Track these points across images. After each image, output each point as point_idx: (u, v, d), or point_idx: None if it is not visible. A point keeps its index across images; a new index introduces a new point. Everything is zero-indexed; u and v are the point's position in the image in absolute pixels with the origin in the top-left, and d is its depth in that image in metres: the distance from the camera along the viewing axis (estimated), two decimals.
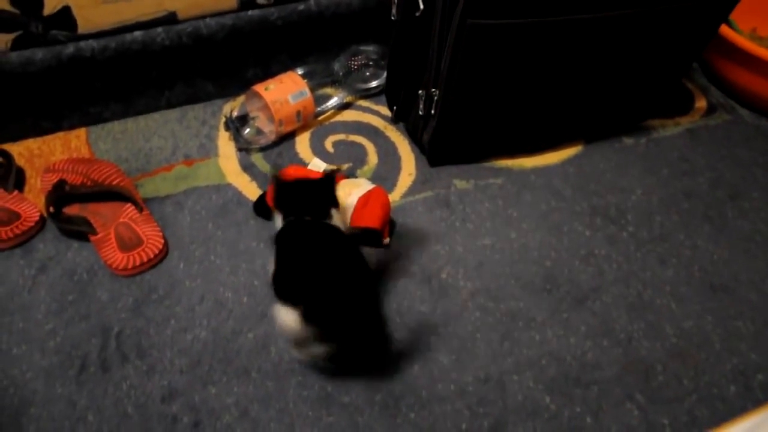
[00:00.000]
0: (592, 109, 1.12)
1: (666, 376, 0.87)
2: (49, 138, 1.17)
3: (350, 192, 0.96)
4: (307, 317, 0.74)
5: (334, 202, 0.84)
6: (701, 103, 1.30)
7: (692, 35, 1.04)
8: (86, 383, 0.85)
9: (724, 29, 1.18)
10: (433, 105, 1.03)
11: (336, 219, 0.83)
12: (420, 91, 1.06)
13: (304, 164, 1.12)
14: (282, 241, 0.81)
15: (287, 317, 0.76)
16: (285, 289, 0.77)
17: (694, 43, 1.06)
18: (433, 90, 1.01)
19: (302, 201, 0.82)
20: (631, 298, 0.95)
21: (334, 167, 0.98)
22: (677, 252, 1.02)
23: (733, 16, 1.31)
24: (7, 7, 0.98)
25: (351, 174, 1.10)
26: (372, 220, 0.93)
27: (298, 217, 0.81)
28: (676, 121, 1.25)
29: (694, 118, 1.26)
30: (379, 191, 0.97)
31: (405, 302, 0.94)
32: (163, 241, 0.99)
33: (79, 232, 1.00)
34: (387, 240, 1.00)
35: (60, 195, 1.01)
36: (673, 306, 0.95)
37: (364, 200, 0.95)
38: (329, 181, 0.85)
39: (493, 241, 1.02)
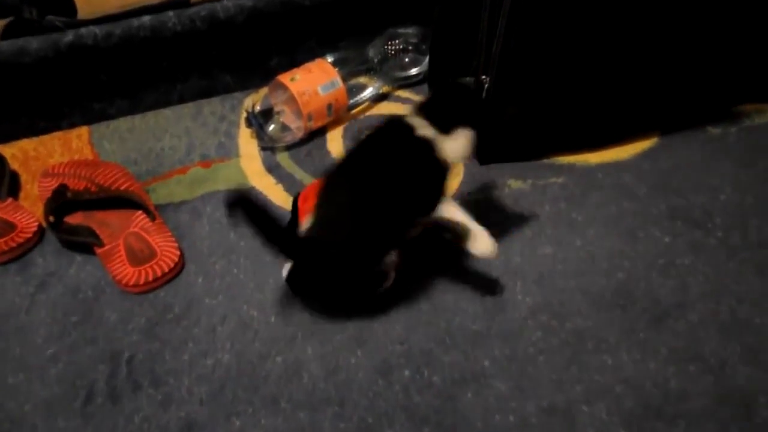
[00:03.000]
0: (670, 93, 1.10)
1: None
2: (46, 138, 1.19)
3: None
4: None
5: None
6: None
7: None
8: (93, 416, 0.85)
9: None
10: (484, 94, 1.02)
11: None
12: (468, 79, 1.05)
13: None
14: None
15: None
16: None
17: None
18: (484, 77, 1.00)
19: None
20: (723, 316, 0.93)
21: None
22: None
23: None
24: None
25: None
26: None
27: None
28: None
29: None
30: None
31: (456, 320, 0.93)
32: (178, 253, 0.99)
33: (84, 243, 1.01)
34: None
35: (61, 202, 1.02)
36: None
37: None
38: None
39: (555, 250, 1.01)
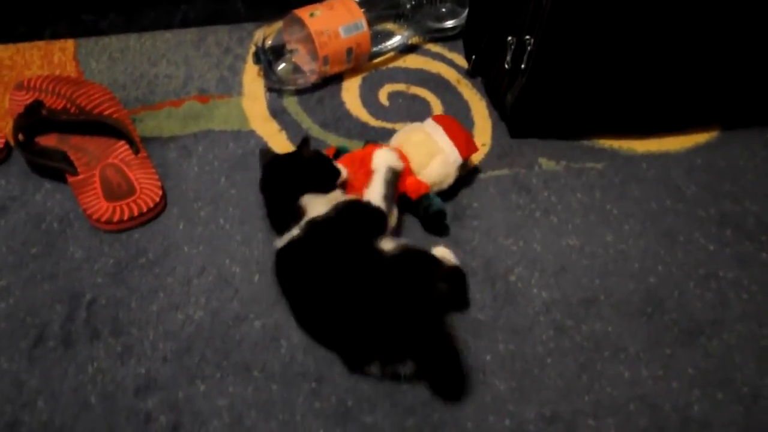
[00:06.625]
0: (737, 82, 1.10)
1: None
2: (25, 46, 1.20)
3: (433, 155, 1.00)
4: None
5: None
6: None
7: None
8: (41, 360, 0.87)
9: None
10: (525, 57, 1.03)
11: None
12: (509, 38, 1.05)
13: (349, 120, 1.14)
14: None
15: None
16: None
17: None
18: (527, 37, 1.01)
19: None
20: (765, 342, 0.93)
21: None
22: None
23: None
24: None
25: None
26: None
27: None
28: None
29: None
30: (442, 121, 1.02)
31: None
32: (160, 192, 1.01)
33: (55, 169, 1.02)
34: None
35: (34, 120, 1.03)
36: None
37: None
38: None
39: (581, 242, 1.02)
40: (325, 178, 0.94)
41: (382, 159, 0.96)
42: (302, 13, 1.13)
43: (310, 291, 0.87)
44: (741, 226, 1.05)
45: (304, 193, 0.92)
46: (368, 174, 0.95)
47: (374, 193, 0.93)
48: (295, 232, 0.90)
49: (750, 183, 1.10)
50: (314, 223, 0.89)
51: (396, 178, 0.96)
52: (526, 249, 1.00)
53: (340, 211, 0.90)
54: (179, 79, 1.18)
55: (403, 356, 0.83)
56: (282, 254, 0.91)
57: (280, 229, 0.92)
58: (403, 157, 0.98)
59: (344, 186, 0.96)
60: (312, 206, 0.91)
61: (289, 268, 0.90)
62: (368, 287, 0.85)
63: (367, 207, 0.92)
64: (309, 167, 0.93)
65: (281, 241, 0.91)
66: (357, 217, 0.91)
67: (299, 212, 0.91)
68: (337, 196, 0.93)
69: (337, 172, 0.94)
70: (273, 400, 0.85)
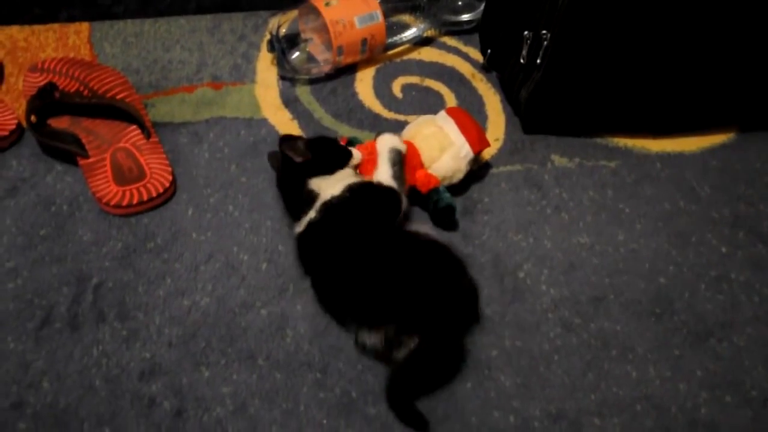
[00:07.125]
0: (755, 84, 1.09)
1: None
2: (40, 28, 1.21)
3: (444, 149, 1.00)
4: None
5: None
6: None
7: None
8: (47, 341, 0.88)
9: None
10: (541, 52, 1.03)
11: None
12: (526, 33, 1.05)
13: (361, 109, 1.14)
14: None
15: None
16: None
17: None
18: (544, 32, 1.00)
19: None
20: None
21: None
22: None
23: None
24: None
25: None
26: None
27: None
28: None
29: None
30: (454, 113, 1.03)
31: None
32: (170, 178, 1.01)
33: (66, 151, 1.02)
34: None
35: (47, 102, 1.04)
36: None
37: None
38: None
39: (592, 241, 1.01)
40: (328, 161, 0.94)
41: (385, 142, 0.96)
42: (318, 2, 1.13)
43: (332, 268, 0.88)
44: (754, 229, 1.04)
45: (310, 177, 0.92)
46: (376, 162, 0.96)
47: (382, 173, 0.94)
48: (312, 215, 0.90)
49: (765, 186, 1.10)
50: (329, 205, 0.90)
51: (402, 159, 0.96)
52: (536, 245, 1.00)
53: (354, 191, 0.91)
54: (193, 65, 1.18)
55: (413, 330, 0.83)
56: (302, 238, 0.92)
57: (296, 215, 0.93)
58: (413, 150, 0.99)
59: (358, 171, 0.97)
60: (323, 188, 0.91)
61: (311, 250, 0.91)
62: (398, 260, 0.87)
63: (379, 187, 0.93)
64: (312, 151, 0.94)
65: (300, 226, 0.92)
66: (370, 197, 0.92)
67: (311, 196, 0.91)
68: (346, 174, 0.94)
69: (347, 154, 0.95)
70: (277, 388, 0.85)
